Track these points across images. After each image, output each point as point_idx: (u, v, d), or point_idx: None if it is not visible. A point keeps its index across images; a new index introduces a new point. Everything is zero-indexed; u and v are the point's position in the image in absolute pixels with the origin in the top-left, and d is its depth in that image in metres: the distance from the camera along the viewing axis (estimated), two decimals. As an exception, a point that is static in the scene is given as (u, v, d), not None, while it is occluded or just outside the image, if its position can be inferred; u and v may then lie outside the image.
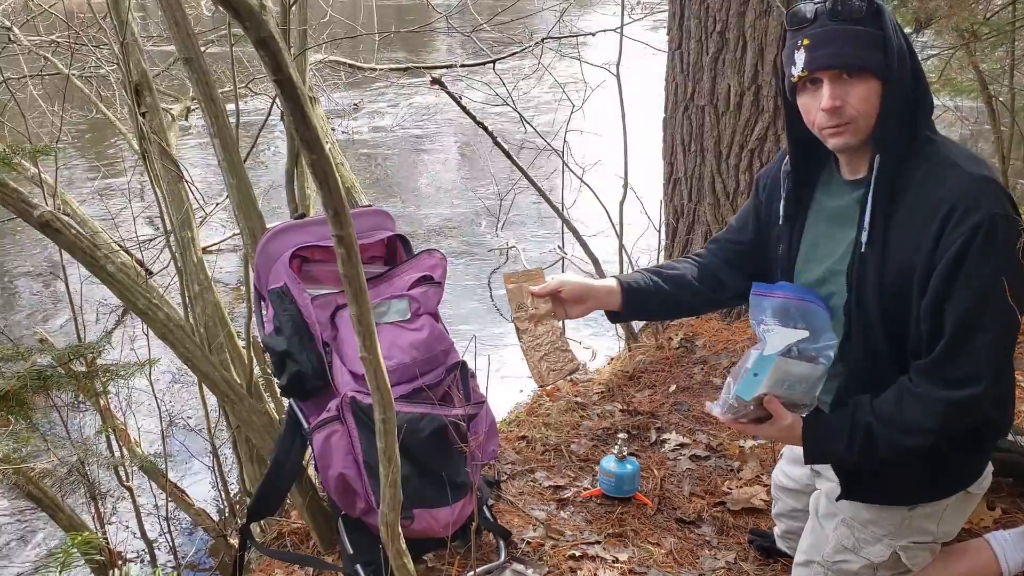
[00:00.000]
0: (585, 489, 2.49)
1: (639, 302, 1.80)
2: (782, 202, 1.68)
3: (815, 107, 1.49)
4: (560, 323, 1.77)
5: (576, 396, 3.09)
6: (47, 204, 2.18)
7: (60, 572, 1.46)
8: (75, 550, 1.52)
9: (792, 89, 1.54)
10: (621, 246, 3.61)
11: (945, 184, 1.42)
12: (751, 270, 1.79)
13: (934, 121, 1.53)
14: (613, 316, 1.84)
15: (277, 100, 3.59)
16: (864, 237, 1.50)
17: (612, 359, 3.72)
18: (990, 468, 1.66)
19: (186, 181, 2.76)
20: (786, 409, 1.53)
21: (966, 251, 1.38)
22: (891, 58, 1.43)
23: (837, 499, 1.65)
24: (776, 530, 2.09)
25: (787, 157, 1.66)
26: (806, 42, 1.47)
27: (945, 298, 1.41)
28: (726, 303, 1.89)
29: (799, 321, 1.56)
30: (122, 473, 3.04)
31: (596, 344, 4.97)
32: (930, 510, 1.64)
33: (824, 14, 1.45)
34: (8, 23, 4.92)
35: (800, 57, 1.47)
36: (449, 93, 3.61)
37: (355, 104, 8.59)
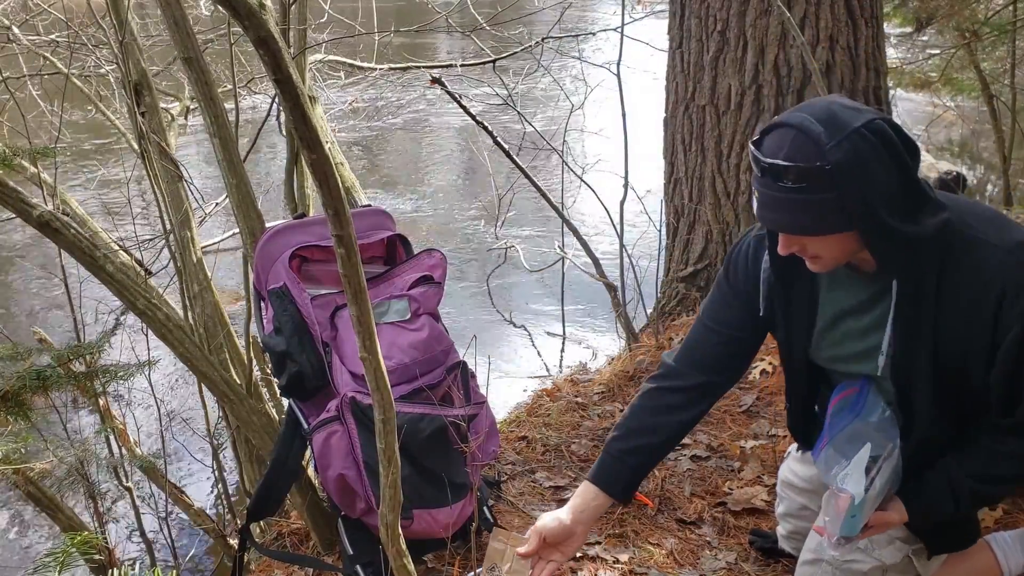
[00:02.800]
0: (585, 489, 2.48)
1: (633, 488, 1.71)
2: (768, 286, 1.62)
3: None
4: None
5: (576, 396, 3.09)
6: (46, 204, 2.18)
7: (59, 572, 1.45)
8: (74, 550, 1.51)
9: None
10: (621, 246, 3.61)
11: (983, 266, 1.39)
12: (750, 358, 1.76)
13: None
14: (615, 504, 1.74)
15: (277, 100, 3.58)
16: (897, 350, 1.49)
17: (612, 359, 3.72)
18: None
19: (185, 181, 2.76)
20: (886, 507, 1.55)
21: None
22: (852, 213, 1.32)
23: (928, 558, 1.66)
24: (780, 530, 2.09)
25: (762, 238, 1.60)
26: (756, 194, 1.40)
27: (1020, 368, 1.41)
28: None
29: (855, 440, 1.54)
30: (121, 473, 3.03)
31: (596, 344, 4.97)
32: None
33: (767, 175, 1.35)
34: (7, 22, 4.92)
35: (755, 204, 1.42)
36: (449, 92, 3.60)
37: (351, 103, 8.58)
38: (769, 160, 1.34)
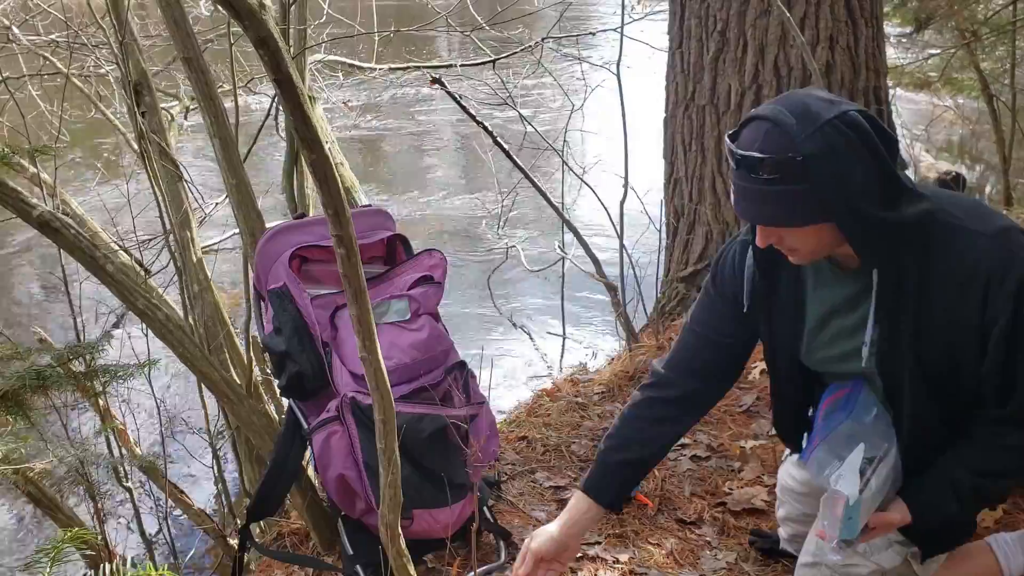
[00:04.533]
0: (585, 489, 2.48)
1: (623, 497, 1.75)
2: (753, 285, 1.61)
3: None
4: None
5: (576, 396, 3.09)
6: (46, 204, 2.17)
7: (51, 567, 1.45)
8: (66, 545, 1.51)
9: None
10: (621, 246, 3.61)
11: (967, 254, 1.37)
12: (740, 365, 1.75)
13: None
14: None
15: (276, 100, 3.58)
16: (883, 343, 1.47)
17: (612, 359, 3.72)
18: None
19: (185, 181, 2.76)
20: (887, 508, 1.54)
21: (1018, 315, 1.36)
22: (825, 205, 1.33)
23: (922, 562, 1.64)
24: (782, 532, 2.08)
25: (747, 243, 1.59)
26: (732, 187, 1.41)
27: (1013, 355, 1.40)
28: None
29: (848, 441, 1.53)
30: (121, 473, 3.03)
31: (596, 344, 4.97)
32: None
33: (741, 167, 1.36)
34: (7, 22, 4.92)
35: (731, 197, 1.43)
36: (449, 92, 3.60)
37: (345, 102, 8.56)
38: (743, 152, 1.34)
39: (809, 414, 1.71)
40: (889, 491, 1.55)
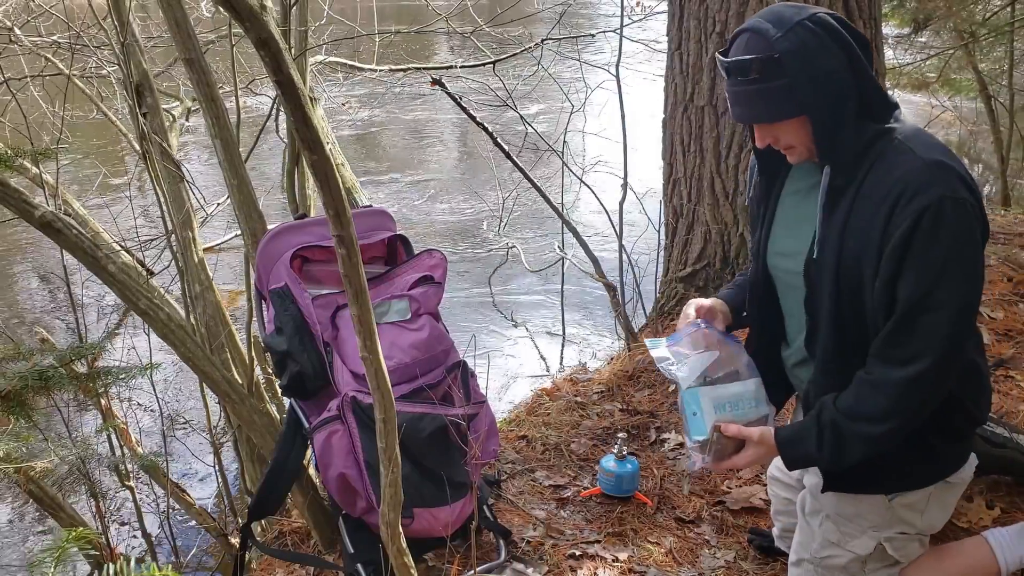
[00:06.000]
0: (585, 488, 2.50)
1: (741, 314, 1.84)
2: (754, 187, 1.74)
3: None
4: None
5: (576, 396, 3.10)
6: (48, 204, 2.19)
7: (55, 567, 1.46)
8: (71, 546, 1.52)
9: None
10: (621, 246, 3.62)
11: (896, 171, 1.44)
12: None
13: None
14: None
15: (277, 101, 3.59)
16: (817, 239, 1.54)
17: (612, 359, 3.73)
18: (973, 460, 1.66)
19: (187, 181, 2.77)
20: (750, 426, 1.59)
21: (913, 233, 1.39)
22: (804, 97, 1.46)
23: (822, 491, 1.66)
24: (775, 529, 2.10)
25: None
26: (727, 96, 1.55)
27: (895, 280, 1.43)
28: None
29: (700, 345, 1.63)
30: (123, 472, 3.04)
31: (596, 344, 4.98)
32: (912, 499, 1.64)
33: (731, 73, 1.51)
34: (9, 23, 4.93)
35: (728, 105, 1.57)
36: (449, 94, 3.61)
37: (344, 103, 8.56)
38: (730, 59, 1.50)
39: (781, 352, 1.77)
40: (753, 418, 1.61)
